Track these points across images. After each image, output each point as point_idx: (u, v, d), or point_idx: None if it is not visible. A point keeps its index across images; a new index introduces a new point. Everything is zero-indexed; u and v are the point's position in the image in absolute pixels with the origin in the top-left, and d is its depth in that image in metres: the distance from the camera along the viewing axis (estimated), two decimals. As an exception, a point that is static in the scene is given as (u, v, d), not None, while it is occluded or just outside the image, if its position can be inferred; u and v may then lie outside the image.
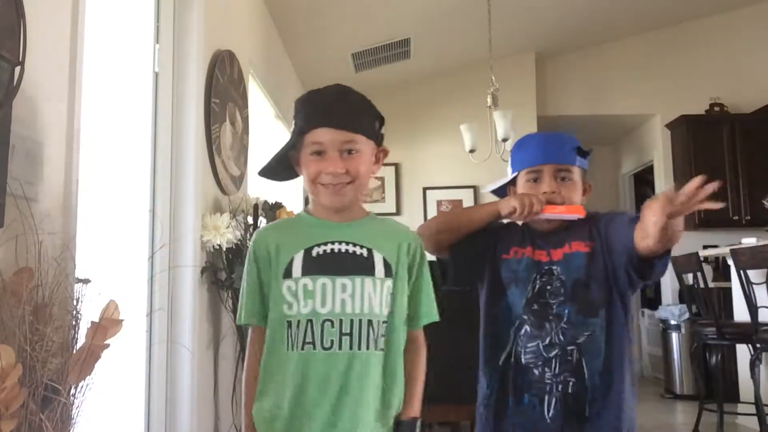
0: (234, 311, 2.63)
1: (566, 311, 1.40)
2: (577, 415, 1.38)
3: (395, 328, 1.31)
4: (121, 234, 2.15)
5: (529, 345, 1.42)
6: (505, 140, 4.24)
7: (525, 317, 1.44)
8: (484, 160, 4.56)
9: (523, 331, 1.43)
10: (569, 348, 1.39)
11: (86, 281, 1.43)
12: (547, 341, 1.40)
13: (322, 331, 1.26)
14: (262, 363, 1.31)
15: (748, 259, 3.49)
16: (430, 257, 1.48)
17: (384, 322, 1.29)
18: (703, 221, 5.75)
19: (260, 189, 3.56)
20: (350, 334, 1.26)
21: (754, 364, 3.37)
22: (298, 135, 1.32)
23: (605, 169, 7.23)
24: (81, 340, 1.37)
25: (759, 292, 3.45)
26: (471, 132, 4.44)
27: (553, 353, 1.39)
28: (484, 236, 1.54)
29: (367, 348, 1.27)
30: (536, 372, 1.41)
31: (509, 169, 1.58)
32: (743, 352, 4.05)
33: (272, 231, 1.40)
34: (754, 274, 3.54)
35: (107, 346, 1.37)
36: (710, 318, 3.71)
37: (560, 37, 5.86)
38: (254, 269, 1.33)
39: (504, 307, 1.48)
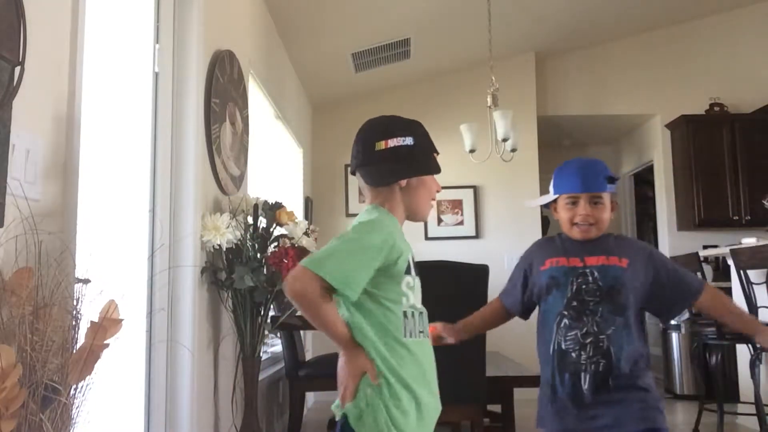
0: (234, 311, 2.63)
1: (600, 309, 1.76)
2: (605, 385, 1.74)
3: None
4: (121, 234, 2.15)
5: (569, 334, 1.77)
6: (505, 140, 4.23)
7: (566, 312, 1.78)
8: (484, 160, 4.55)
9: (563, 323, 1.78)
10: (601, 336, 1.75)
11: (86, 281, 1.43)
12: (584, 331, 1.76)
13: (425, 322, 1.52)
14: (387, 350, 1.41)
15: (748, 259, 3.49)
16: None
17: None
18: (703, 221, 5.76)
19: (260, 189, 3.56)
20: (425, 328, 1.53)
21: (754, 364, 3.37)
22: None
23: (605, 169, 7.23)
24: (81, 340, 1.37)
25: (759, 292, 3.45)
26: (471, 132, 4.42)
27: (589, 340, 1.75)
28: (522, 275, 1.93)
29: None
30: (573, 355, 1.75)
31: (551, 189, 1.91)
32: (743, 352, 4.05)
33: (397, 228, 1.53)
34: (754, 274, 3.54)
35: (107, 346, 1.37)
36: (710, 318, 3.71)
37: (560, 37, 5.85)
38: (379, 255, 1.40)
39: (549, 308, 1.83)
